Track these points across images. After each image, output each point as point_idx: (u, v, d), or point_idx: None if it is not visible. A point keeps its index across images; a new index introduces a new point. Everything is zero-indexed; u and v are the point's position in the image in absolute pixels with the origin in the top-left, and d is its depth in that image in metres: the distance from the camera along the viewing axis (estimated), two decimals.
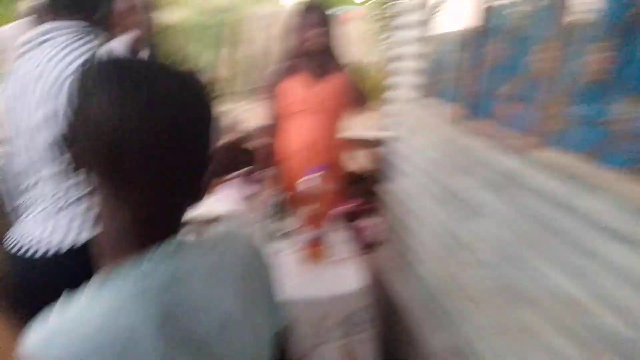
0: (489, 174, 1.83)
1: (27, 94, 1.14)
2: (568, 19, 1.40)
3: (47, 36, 1.17)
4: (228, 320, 0.72)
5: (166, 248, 0.70)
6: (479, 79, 1.98)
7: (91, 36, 1.20)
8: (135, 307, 0.64)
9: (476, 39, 1.98)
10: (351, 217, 2.53)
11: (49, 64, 1.14)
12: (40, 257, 1.14)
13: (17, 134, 1.17)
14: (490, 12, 1.89)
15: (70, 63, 1.12)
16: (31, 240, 1.15)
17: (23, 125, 1.16)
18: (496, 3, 1.86)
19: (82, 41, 1.17)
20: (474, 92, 2.01)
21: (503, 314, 1.67)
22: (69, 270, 1.05)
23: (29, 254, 1.14)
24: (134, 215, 0.67)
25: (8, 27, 2.74)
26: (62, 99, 1.02)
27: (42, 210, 1.18)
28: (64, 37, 1.17)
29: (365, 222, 2.54)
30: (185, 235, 0.73)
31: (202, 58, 11.71)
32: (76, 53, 1.14)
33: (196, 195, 0.74)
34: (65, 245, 1.13)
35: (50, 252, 1.13)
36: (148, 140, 0.62)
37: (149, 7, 2.19)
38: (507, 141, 1.70)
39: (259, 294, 0.81)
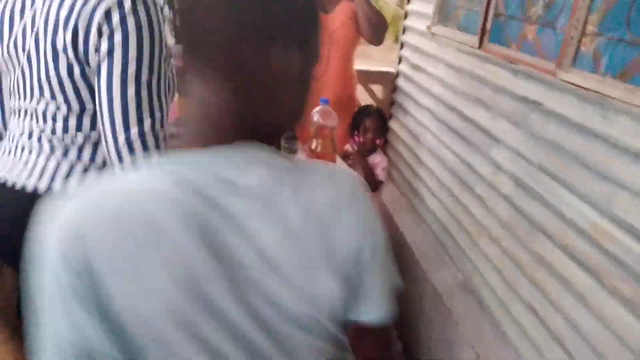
0: (510, 102, 1.72)
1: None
2: None
3: None
4: (276, 258, 0.58)
5: (240, 153, 0.59)
6: (500, 3, 1.84)
7: None
8: (161, 198, 0.56)
9: None
10: (362, 152, 2.45)
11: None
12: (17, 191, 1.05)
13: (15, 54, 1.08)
14: None
15: None
16: (12, 174, 1.07)
17: (26, 45, 1.04)
18: None
19: None
20: (494, 18, 1.87)
21: (518, 246, 1.61)
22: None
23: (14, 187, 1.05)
24: (226, 109, 0.60)
25: None
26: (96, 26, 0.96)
27: (22, 146, 1.09)
28: None
29: (376, 158, 2.46)
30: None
31: None
32: None
33: (295, 113, 0.66)
34: (41, 188, 1.04)
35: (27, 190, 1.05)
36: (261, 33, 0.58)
37: None
38: (530, 66, 1.58)
39: (339, 246, 0.62)
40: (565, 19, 1.45)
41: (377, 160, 2.44)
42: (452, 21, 2.28)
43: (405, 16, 2.96)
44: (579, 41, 1.36)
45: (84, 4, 0.97)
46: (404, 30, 2.96)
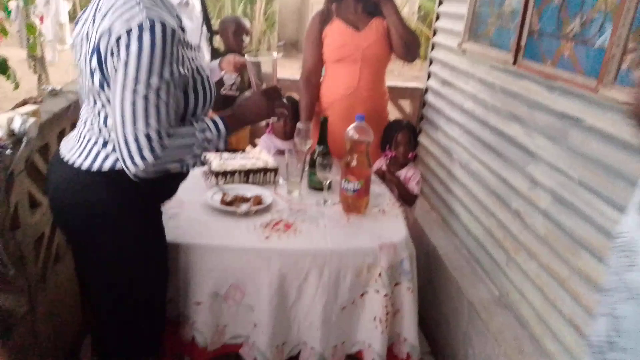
0: (546, 118, 1.73)
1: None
2: None
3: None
4: None
5: None
6: (534, 20, 1.85)
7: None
8: None
9: None
10: (395, 167, 2.47)
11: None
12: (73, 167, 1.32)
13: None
14: None
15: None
16: (70, 153, 1.35)
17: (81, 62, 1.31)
18: None
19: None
20: (529, 35, 1.88)
21: (558, 261, 1.61)
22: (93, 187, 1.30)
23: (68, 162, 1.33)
24: None
25: None
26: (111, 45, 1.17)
27: (83, 134, 1.37)
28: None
29: (409, 172, 2.47)
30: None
31: (237, 10, 11.54)
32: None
33: None
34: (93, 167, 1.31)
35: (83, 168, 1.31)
36: None
37: None
38: (568, 83, 1.59)
39: None
40: (605, 35, 1.46)
41: (410, 174, 2.45)
42: (484, 38, 2.30)
43: (434, 33, 2.99)
44: (621, 58, 1.37)
45: (109, 33, 1.18)
46: (433, 47, 2.99)
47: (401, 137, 2.44)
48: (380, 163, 2.49)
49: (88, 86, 1.28)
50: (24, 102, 1.82)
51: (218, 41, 2.85)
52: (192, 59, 1.32)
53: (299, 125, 2.04)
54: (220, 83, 2.62)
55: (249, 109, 1.46)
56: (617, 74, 1.38)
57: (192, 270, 1.57)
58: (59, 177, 1.34)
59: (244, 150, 2.19)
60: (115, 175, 1.27)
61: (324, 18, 2.45)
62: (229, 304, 1.60)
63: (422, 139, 2.98)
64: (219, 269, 1.57)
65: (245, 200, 1.82)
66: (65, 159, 1.34)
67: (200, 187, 1.94)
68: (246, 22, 2.84)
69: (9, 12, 4.03)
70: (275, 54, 1.60)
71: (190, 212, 1.74)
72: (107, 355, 1.57)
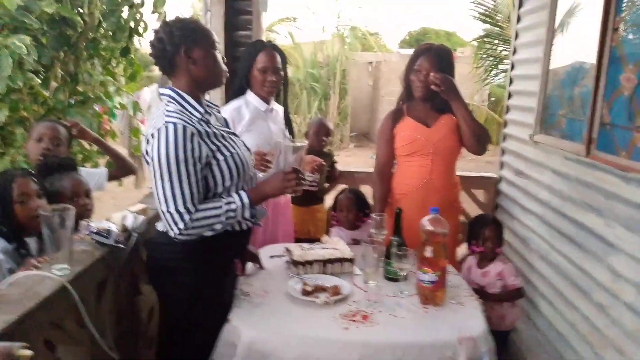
0: (624, 208, 1.72)
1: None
2: None
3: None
4: None
5: None
6: (605, 113, 1.91)
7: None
8: None
9: (603, 70, 1.92)
10: (483, 262, 2.43)
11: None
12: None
13: None
14: (620, 41, 1.84)
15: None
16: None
17: None
18: (626, 31, 1.80)
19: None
20: (600, 126, 1.93)
21: None
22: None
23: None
24: None
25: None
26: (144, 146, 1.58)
27: None
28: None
29: (498, 267, 2.40)
30: None
31: (313, 107, 12.27)
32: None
33: None
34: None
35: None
36: None
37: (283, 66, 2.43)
38: None
39: None
40: None
41: (501, 268, 2.36)
42: (555, 129, 2.35)
43: (505, 124, 3.08)
44: None
45: (146, 136, 1.59)
46: (505, 138, 3.07)
47: (488, 232, 2.41)
48: (469, 262, 2.49)
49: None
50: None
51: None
52: (214, 143, 1.64)
53: (374, 216, 2.14)
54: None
55: (268, 184, 1.74)
56: None
57: (274, 358, 1.64)
58: (148, 242, 1.77)
59: (319, 240, 2.31)
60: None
61: (396, 116, 2.61)
62: None
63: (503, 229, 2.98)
64: (301, 359, 1.63)
65: (324, 290, 1.90)
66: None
67: (283, 276, 2.06)
68: (329, 124, 3.06)
69: (114, 116, 4.59)
70: (303, 143, 1.90)
71: (274, 302, 1.84)
72: None
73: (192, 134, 1.56)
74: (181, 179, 1.53)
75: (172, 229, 1.55)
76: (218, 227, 1.61)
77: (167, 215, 1.54)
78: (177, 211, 1.53)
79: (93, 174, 2.37)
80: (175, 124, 1.53)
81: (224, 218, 1.60)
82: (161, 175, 1.53)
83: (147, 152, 1.57)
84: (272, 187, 1.73)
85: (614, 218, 1.78)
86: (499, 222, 2.50)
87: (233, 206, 1.62)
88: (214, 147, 1.63)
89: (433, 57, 2.41)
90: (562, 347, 2.10)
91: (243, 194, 1.65)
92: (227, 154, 1.66)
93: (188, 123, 1.57)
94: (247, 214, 1.66)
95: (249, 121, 2.35)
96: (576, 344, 1.99)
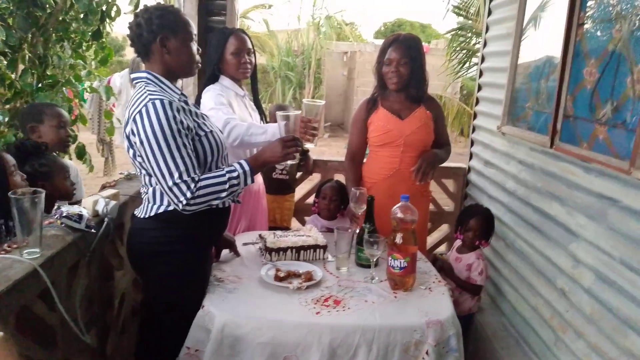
0: (585, 197, 1.80)
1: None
2: None
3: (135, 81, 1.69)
4: None
5: None
6: (569, 106, 1.97)
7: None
8: None
9: (568, 64, 1.98)
10: (462, 251, 2.48)
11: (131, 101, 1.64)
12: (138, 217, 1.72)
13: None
14: (584, 37, 1.90)
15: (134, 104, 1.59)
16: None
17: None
18: (590, 27, 1.86)
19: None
20: (564, 119, 2.00)
21: (606, 341, 1.61)
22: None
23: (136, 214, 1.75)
24: None
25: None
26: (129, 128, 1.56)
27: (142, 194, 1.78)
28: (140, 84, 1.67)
29: (470, 260, 2.44)
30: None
31: (287, 95, 12.23)
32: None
33: None
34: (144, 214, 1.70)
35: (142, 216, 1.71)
36: None
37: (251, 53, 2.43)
38: (603, 165, 1.68)
39: None
40: (635, 120, 1.56)
41: (472, 261, 2.40)
42: (522, 121, 2.43)
43: (475, 116, 3.15)
44: None
45: (127, 116, 1.60)
46: (474, 129, 3.14)
47: (473, 223, 2.41)
48: (456, 244, 2.53)
49: (131, 158, 1.67)
50: (103, 187, 2.06)
51: None
52: (194, 121, 1.67)
53: (354, 189, 2.20)
54: (272, 168, 2.87)
55: (269, 150, 1.76)
56: None
57: (246, 342, 1.66)
58: (130, 229, 1.77)
59: (288, 227, 2.34)
60: (162, 218, 1.66)
61: (370, 106, 2.64)
62: None
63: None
64: (273, 343, 1.66)
65: (297, 276, 1.93)
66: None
67: (256, 263, 2.08)
68: (290, 110, 3.08)
69: (84, 101, 4.50)
70: (298, 112, 1.91)
71: (247, 287, 1.87)
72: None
73: (178, 109, 1.59)
74: (179, 149, 1.55)
75: (179, 201, 1.55)
76: (223, 194, 1.63)
77: (173, 187, 1.54)
78: (183, 181, 1.54)
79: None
80: (161, 100, 1.55)
81: (227, 186, 1.62)
82: (157, 149, 1.53)
83: (133, 133, 1.56)
84: (273, 153, 1.75)
85: (576, 207, 1.86)
86: (491, 216, 2.46)
87: (235, 174, 1.65)
88: (194, 124, 1.66)
89: (402, 46, 2.45)
90: (525, 331, 2.19)
91: (243, 162, 1.69)
92: (207, 130, 1.70)
93: (172, 100, 1.60)
94: (249, 181, 1.69)
95: (229, 105, 2.36)
96: (539, 327, 2.07)
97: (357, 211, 2.18)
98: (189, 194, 1.54)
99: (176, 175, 1.54)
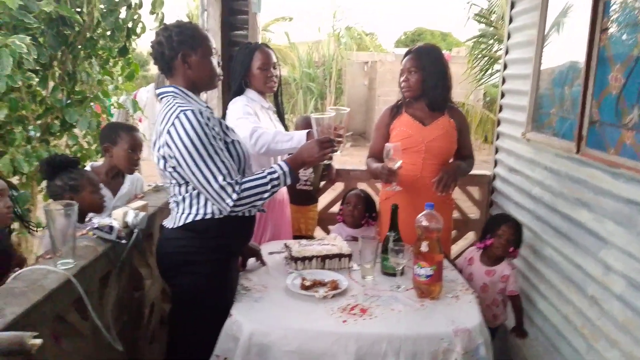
0: (613, 204, 1.77)
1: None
2: None
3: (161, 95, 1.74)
4: None
5: None
6: (595, 111, 1.95)
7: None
8: None
9: (592, 70, 1.97)
10: (487, 260, 2.45)
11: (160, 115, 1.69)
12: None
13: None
14: (608, 42, 1.88)
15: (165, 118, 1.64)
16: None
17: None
18: (614, 32, 1.85)
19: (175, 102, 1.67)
20: (590, 125, 1.97)
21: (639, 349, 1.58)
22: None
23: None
24: None
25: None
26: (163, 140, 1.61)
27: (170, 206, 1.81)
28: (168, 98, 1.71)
29: (505, 271, 2.37)
30: None
31: (309, 106, 12.31)
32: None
33: None
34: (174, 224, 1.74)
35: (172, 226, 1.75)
36: None
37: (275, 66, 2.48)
38: (632, 170, 1.65)
39: None
40: None
41: (508, 272, 2.33)
42: (547, 127, 2.40)
43: (498, 123, 3.13)
44: None
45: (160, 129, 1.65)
46: (498, 136, 3.12)
47: (505, 229, 2.34)
48: (472, 253, 2.50)
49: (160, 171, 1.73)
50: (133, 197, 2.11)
51: None
52: (221, 130, 1.72)
53: (387, 145, 2.23)
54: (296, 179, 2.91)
55: (306, 152, 1.80)
56: None
57: (274, 351, 1.68)
58: (159, 240, 1.82)
59: (312, 236, 2.35)
60: (190, 228, 1.70)
61: (394, 112, 2.65)
62: None
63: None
64: (300, 351, 1.67)
65: (322, 284, 1.94)
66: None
67: (282, 272, 2.10)
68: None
69: (112, 115, 4.60)
70: (334, 113, 1.93)
71: (274, 296, 1.88)
72: None
73: (208, 117, 1.65)
74: (217, 154, 1.61)
75: (226, 203, 1.60)
76: (266, 195, 1.68)
77: (219, 191, 1.59)
78: (228, 183, 1.60)
79: (138, 178, 2.55)
80: (192, 110, 1.61)
81: (269, 186, 1.67)
82: (198, 156, 1.58)
83: (168, 146, 1.61)
84: (310, 154, 1.79)
85: (604, 213, 1.83)
86: (520, 226, 2.39)
87: (275, 174, 1.69)
88: (222, 133, 1.72)
89: (413, 56, 2.48)
90: (557, 340, 2.15)
91: (281, 162, 1.74)
92: (234, 139, 1.76)
93: (200, 109, 1.65)
94: (288, 181, 1.74)
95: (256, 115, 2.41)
96: (570, 336, 2.04)
97: (392, 166, 2.21)
98: (235, 196, 1.60)
99: (220, 178, 1.59)
